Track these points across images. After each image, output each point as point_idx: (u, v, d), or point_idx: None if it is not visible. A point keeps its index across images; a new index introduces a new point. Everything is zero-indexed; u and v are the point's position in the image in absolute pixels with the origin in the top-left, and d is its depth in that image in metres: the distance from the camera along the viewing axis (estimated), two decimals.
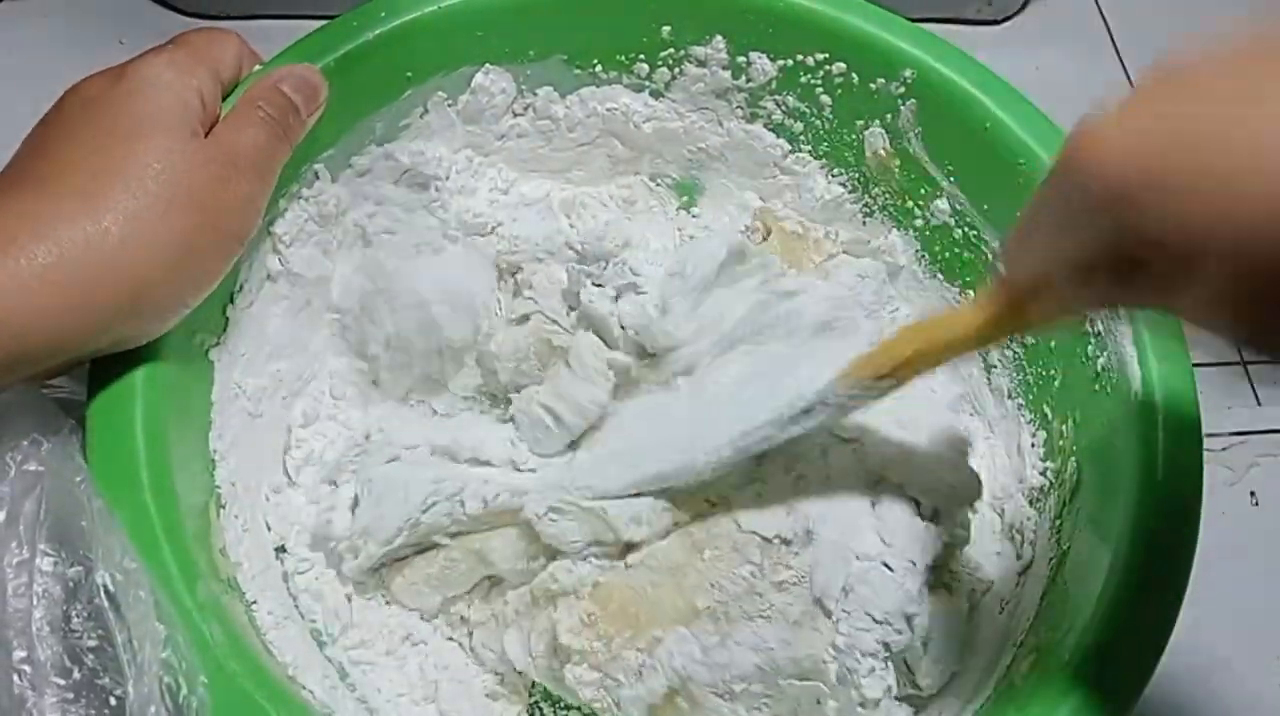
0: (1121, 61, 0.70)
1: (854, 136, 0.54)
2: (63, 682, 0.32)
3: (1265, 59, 0.28)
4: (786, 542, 0.44)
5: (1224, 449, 0.57)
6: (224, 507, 0.43)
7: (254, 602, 0.41)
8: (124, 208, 0.36)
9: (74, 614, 0.33)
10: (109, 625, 0.33)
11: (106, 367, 0.39)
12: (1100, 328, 0.45)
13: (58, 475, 0.35)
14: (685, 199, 0.59)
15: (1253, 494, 0.56)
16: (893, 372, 0.40)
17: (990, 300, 0.37)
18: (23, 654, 0.32)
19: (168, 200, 0.37)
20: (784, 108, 0.54)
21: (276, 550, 0.48)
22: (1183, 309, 0.31)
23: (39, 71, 0.48)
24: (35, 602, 0.33)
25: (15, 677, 0.31)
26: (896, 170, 0.53)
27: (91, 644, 0.32)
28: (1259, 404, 0.59)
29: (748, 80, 0.54)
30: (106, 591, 0.33)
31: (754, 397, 0.44)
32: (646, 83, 0.55)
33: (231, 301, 0.46)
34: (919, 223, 0.54)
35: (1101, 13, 0.73)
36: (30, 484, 0.35)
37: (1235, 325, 0.30)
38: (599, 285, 0.48)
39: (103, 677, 0.32)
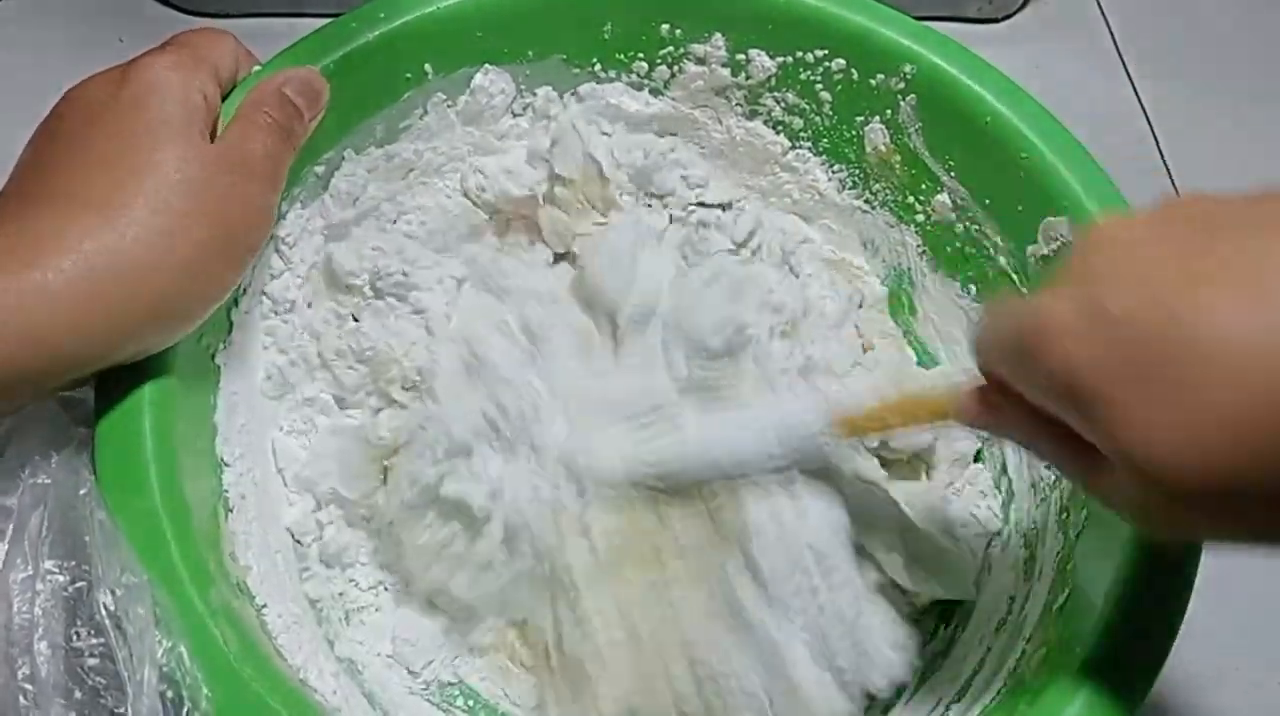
0: (1122, 59, 0.70)
1: (854, 132, 0.53)
2: (65, 701, 0.32)
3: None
4: None
5: None
6: (232, 512, 0.43)
7: (264, 606, 0.42)
8: (145, 221, 0.36)
9: (76, 631, 0.33)
10: (110, 642, 0.33)
11: (114, 373, 0.39)
12: None
13: (63, 488, 0.35)
14: None
15: None
16: (868, 431, 0.44)
17: (966, 393, 0.37)
18: (26, 671, 0.32)
19: (186, 212, 0.37)
20: (784, 104, 0.54)
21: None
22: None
23: (38, 69, 0.48)
24: (38, 619, 0.33)
25: (20, 697, 0.31)
26: (897, 166, 0.53)
27: (93, 662, 0.33)
28: None
29: (747, 77, 0.54)
30: (107, 608, 0.33)
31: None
32: (646, 81, 0.55)
33: (235, 305, 0.46)
34: (920, 218, 0.54)
35: (1102, 10, 0.72)
36: (38, 497, 0.35)
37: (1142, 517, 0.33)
38: None
39: (105, 696, 0.32)
